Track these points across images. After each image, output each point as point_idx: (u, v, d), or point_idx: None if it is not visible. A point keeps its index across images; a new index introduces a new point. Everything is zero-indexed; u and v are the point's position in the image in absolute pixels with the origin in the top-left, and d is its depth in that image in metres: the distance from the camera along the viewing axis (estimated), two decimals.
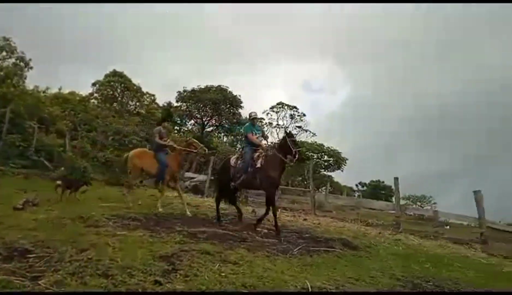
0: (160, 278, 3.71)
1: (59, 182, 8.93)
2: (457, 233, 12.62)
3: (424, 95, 67.89)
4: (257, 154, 7.60)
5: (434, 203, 29.47)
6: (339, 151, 32.52)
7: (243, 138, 8.13)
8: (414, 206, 28.22)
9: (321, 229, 8.83)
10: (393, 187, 13.24)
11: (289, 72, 69.35)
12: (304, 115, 33.26)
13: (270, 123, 33.45)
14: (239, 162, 7.76)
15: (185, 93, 27.59)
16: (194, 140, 9.62)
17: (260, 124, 7.91)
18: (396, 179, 12.06)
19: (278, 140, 7.59)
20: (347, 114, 60.58)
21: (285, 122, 33.24)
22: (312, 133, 33.20)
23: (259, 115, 33.45)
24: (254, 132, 7.90)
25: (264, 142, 7.93)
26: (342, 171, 33.12)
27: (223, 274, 4.09)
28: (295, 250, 5.97)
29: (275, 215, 7.40)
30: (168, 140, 9.11)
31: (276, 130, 33.16)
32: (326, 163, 32.51)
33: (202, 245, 5.27)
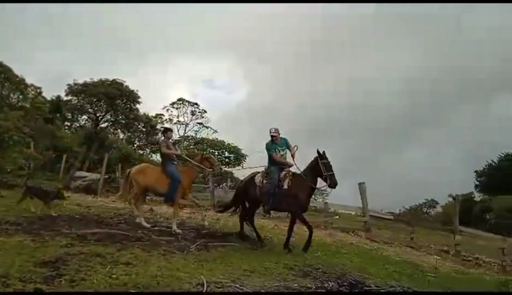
0: (41, 286, 3.43)
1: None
2: (345, 223, 13.81)
3: (322, 94, 72.16)
4: (284, 173, 7.08)
5: (326, 195, 31.85)
6: (240, 147, 33.29)
7: (268, 158, 7.30)
8: None
9: (219, 224, 8.95)
10: None
11: (193, 70, 68.56)
12: (205, 111, 33.41)
13: (171, 120, 32.89)
14: (264, 181, 7.12)
15: (76, 86, 25.32)
16: (211, 155, 8.72)
17: (281, 137, 7.32)
18: None
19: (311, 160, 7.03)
20: (246, 112, 61.84)
21: (186, 118, 33.00)
22: (214, 129, 33.50)
23: (159, 111, 32.70)
24: (277, 150, 7.23)
25: (290, 160, 7.32)
26: (242, 167, 33.96)
27: (114, 276, 3.93)
28: (192, 246, 5.97)
29: (291, 229, 7.17)
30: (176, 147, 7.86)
31: (177, 126, 32.79)
32: (227, 159, 33.10)
33: (92, 247, 5.00)
